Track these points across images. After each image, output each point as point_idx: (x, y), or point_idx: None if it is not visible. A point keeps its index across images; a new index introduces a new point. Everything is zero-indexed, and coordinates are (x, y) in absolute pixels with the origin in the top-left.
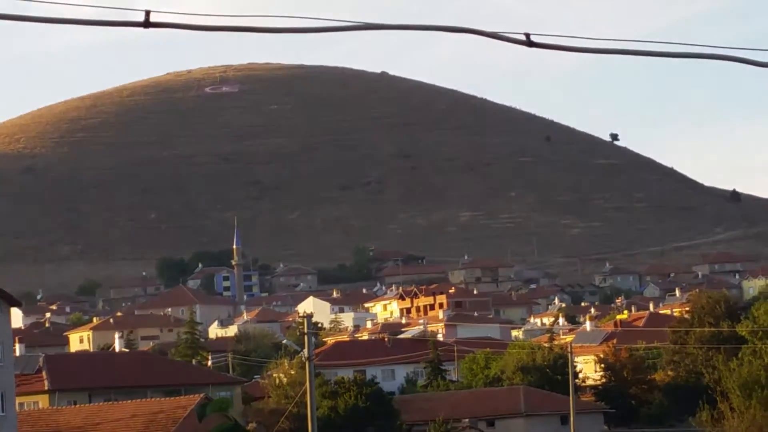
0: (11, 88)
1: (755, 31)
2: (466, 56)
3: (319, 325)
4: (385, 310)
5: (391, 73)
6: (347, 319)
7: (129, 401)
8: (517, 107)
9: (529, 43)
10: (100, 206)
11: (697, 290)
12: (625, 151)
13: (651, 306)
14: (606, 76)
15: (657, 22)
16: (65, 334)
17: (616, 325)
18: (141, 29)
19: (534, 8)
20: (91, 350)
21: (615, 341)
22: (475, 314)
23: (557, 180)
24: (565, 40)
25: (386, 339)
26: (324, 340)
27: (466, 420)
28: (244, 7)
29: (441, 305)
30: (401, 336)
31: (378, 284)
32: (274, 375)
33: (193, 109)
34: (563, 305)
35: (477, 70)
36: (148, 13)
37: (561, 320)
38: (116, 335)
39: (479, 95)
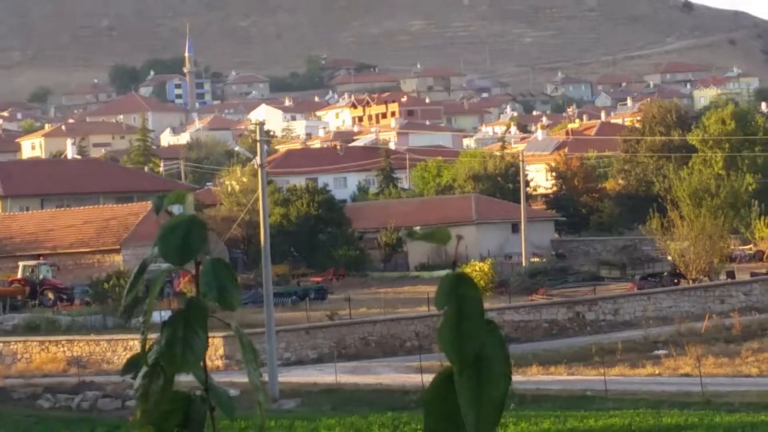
0: None
1: None
2: None
3: (271, 133)
4: (337, 118)
5: None
6: (299, 127)
7: (81, 208)
8: None
9: None
10: (51, 12)
11: (649, 99)
12: None
13: (602, 115)
14: None
15: None
16: (17, 140)
17: (567, 134)
18: None
19: None
20: (44, 157)
21: (566, 150)
22: (427, 123)
23: None
24: None
25: (338, 147)
26: (276, 148)
27: (417, 227)
28: None
29: (393, 114)
30: (353, 144)
31: (330, 92)
32: (226, 182)
33: None
34: (515, 114)
35: None
36: None
37: (513, 129)
38: (68, 142)
39: None
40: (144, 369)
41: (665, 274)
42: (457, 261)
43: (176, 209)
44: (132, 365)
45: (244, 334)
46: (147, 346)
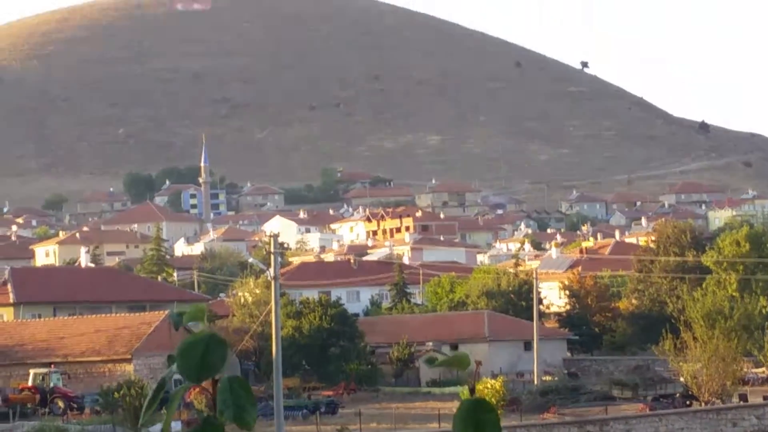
0: None
1: None
2: None
3: (285, 245)
4: (352, 231)
5: None
6: (313, 239)
7: (93, 316)
8: (489, 32)
9: None
10: (68, 120)
11: (663, 219)
12: (594, 79)
13: (617, 234)
14: (577, 2)
15: None
16: (31, 247)
17: (581, 252)
18: None
19: None
20: (57, 264)
21: (580, 268)
22: (441, 238)
23: (526, 106)
24: None
25: (352, 260)
26: (290, 260)
27: (430, 343)
28: None
29: (407, 228)
30: (367, 258)
31: (345, 206)
32: (239, 294)
33: (165, 26)
34: (529, 231)
35: None
36: None
37: (527, 246)
38: (82, 250)
39: (451, 19)
40: None
41: (677, 395)
42: (475, 387)
43: (195, 325)
44: None
45: None
46: None
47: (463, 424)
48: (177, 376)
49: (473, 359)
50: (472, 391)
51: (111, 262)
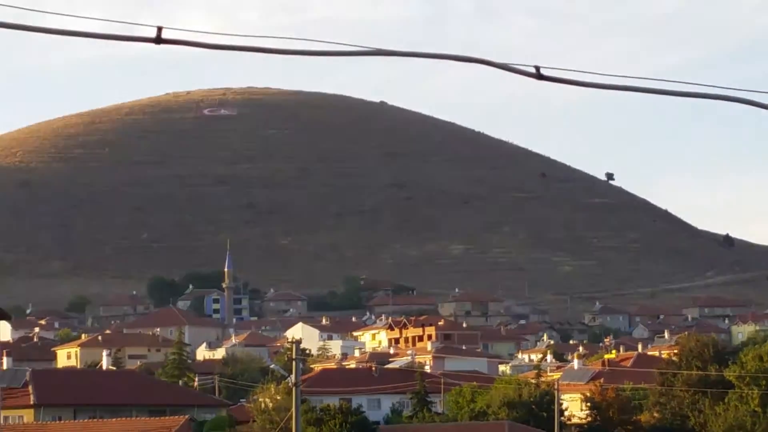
0: (10, 101)
1: (761, 74)
2: (466, 88)
3: (307, 351)
4: (374, 339)
5: (390, 102)
6: (335, 346)
7: (114, 419)
8: (514, 142)
9: (539, 76)
10: (93, 223)
11: (686, 333)
12: (620, 191)
13: (639, 347)
14: (603, 114)
15: (667, 60)
16: (53, 349)
17: (603, 364)
18: (150, 45)
19: (541, 44)
20: (79, 367)
21: (602, 380)
22: (464, 347)
23: (551, 217)
24: (574, 74)
25: (373, 368)
26: (311, 366)
27: None
28: (246, 29)
29: (429, 337)
30: (389, 366)
31: (368, 313)
32: (260, 399)
33: (191, 131)
34: (552, 342)
35: (475, 103)
36: (160, 29)
37: (549, 357)
38: (104, 353)
39: (476, 128)
40: None
41: None
42: None
43: None
44: None
45: None
46: None
47: None
48: None
49: None
50: None
51: (132, 365)
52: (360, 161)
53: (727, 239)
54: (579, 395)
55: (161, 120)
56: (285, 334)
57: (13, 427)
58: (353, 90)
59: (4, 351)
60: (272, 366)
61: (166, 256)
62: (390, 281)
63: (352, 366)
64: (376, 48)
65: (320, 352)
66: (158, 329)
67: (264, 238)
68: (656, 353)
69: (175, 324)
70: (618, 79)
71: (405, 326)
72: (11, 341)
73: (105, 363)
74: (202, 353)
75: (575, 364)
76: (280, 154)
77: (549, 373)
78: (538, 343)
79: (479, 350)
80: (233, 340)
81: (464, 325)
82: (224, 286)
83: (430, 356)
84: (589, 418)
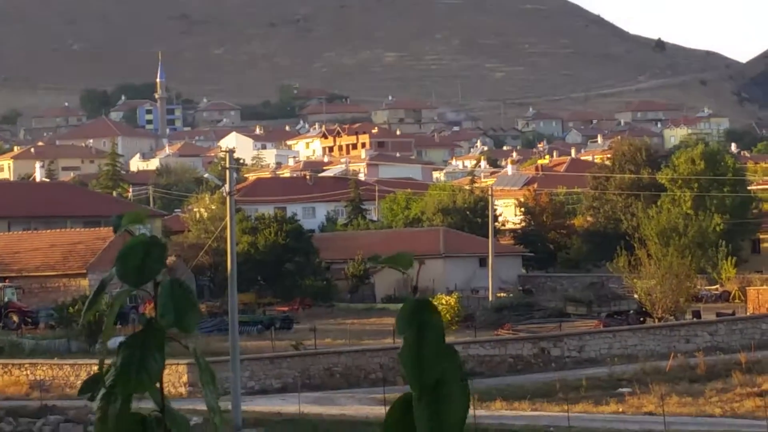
0: None
1: None
2: None
3: (241, 161)
4: (308, 148)
5: None
6: (269, 155)
7: (48, 231)
8: None
9: None
10: (25, 35)
11: (619, 137)
12: None
13: (572, 152)
14: None
15: None
16: None
17: (537, 169)
18: None
19: None
20: (12, 179)
21: (536, 186)
22: (398, 155)
23: (483, 23)
24: None
25: (308, 177)
26: (245, 176)
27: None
28: None
29: (363, 145)
30: (323, 174)
31: (301, 122)
32: (195, 209)
33: None
34: (485, 148)
35: None
36: None
37: (483, 163)
38: (37, 165)
39: None
40: (102, 391)
41: (631, 312)
42: (418, 287)
43: (144, 230)
44: (88, 386)
45: (202, 357)
46: (106, 368)
47: (407, 324)
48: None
49: (416, 262)
50: (414, 290)
51: (66, 177)
52: None
53: (659, 43)
54: (513, 201)
55: None
56: (218, 143)
57: None
58: None
59: None
60: (206, 175)
61: (98, 67)
62: (323, 90)
63: (287, 175)
64: None
65: (254, 162)
66: (91, 141)
67: (197, 48)
68: (589, 158)
69: (108, 135)
70: None
71: (339, 134)
72: None
73: (38, 175)
74: (136, 164)
75: (509, 169)
76: None
77: (483, 179)
78: (471, 150)
79: (413, 157)
80: (167, 151)
81: (398, 132)
82: (157, 96)
83: (364, 164)
84: (523, 223)
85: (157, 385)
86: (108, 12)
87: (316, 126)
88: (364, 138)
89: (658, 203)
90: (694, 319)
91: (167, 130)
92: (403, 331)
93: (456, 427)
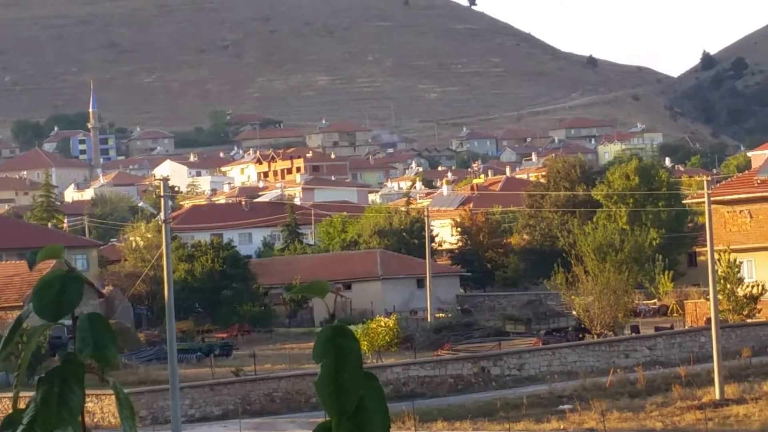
0: None
1: None
2: None
3: (176, 188)
4: (243, 173)
5: None
6: (204, 182)
7: None
8: None
9: None
10: None
11: (554, 155)
12: (482, 17)
13: (507, 170)
14: None
15: None
16: None
17: (472, 189)
18: None
19: None
20: None
21: (471, 205)
22: (333, 178)
23: (415, 44)
24: None
25: (243, 203)
26: (181, 204)
27: None
28: None
29: (298, 169)
30: (258, 200)
31: (235, 148)
32: (131, 238)
33: None
34: (420, 169)
35: None
36: None
37: (418, 184)
38: None
39: None
40: (21, 428)
41: (570, 328)
42: (335, 315)
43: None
44: (7, 423)
45: (121, 390)
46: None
47: (324, 351)
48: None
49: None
50: (331, 318)
51: (0, 209)
52: None
53: (591, 60)
54: (449, 221)
55: None
56: (153, 172)
57: None
58: None
59: None
60: (141, 204)
61: (29, 98)
62: (256, 115)
63: (222, 201)
64: None
65: (189, 189)
66: (25, 172)
67: (127, 76)
68: (524, 176)
69: (41, 166)
70: None
71: (273, 159)
72: None
73: None
74: (71, 195)
75: (444, 190)
76: None
77: (418, 201)
78: (406, 171)
79: (348, 180)
80: (101, 181)
81: (332, 156)
82: (89, 126)
83: (299, 188)
84: (460, 243)
85: (78, 419)
86: (38, 42)
87: (251, 151)
88: (299, 162)
89: (594, 219)
90: (633, 334)
91: (101, 160)
92: (321, 357)
93: None
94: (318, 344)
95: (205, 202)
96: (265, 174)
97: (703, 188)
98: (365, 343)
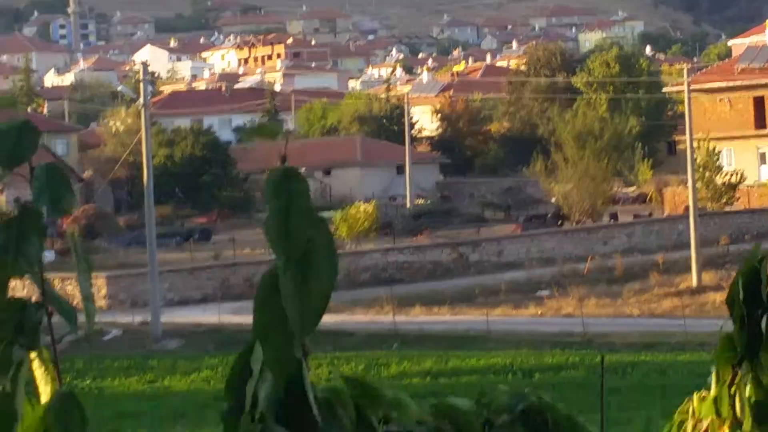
0: None
1: None
2: None
3: (156, 74)
4: (223, 59)
5: None
6: (184, 68)
7: None
8: None
9: None
10: None
11: (534, 42)
12: None
13: (488, 58)
14: None
15: None
16: None
17: (452, 76)
18: None
19: None
20: None
21: (452, 92)
22: (313, 65)
23: None
24: None
25: (223, 88)
26: (161, 89)
27: (303, 168)
28: None
29: (279, 55)
30: (238, 86)
31: (216, 34)
32: (111, 123)
33: None
34: (401, 56)
35: None
36: None
37: (398, 71)
38: None
39: None
40: None
41: (549, 215)
42: (286, 158)
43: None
44: None
45: (79, 243)
46: None
47: (275, 192)
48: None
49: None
50: (283, 160)
51: None
52: None
53: None
54: (429, 108)
55: None
56: (133, 57)
57: None
58: None
59: None
60: (120, 89)
61: None
62: (237, 1)
63: (202, 87)
64: None
65: (169, 74)
66: (4, 57)
67: None
68: (505, 63)
69: (21, 51)
70: None
71: (253, 46)
72: None
73: None
74: (51, 80)
75: (424, 77)
76: None
77: (399, 87)
78: (387, 58)
79: (329, 67)
80: (81, 65)
81: (313, 42)
82: (69, 11)
83: (279, 74)
84: (440, 130)
85: (36, 269)
86: None
87: (231, 38)
88: (279, 48)
89: (574, 107)
90: (612, 222)
91: (81, 45)
92: (271, 199)
93: (323, 296)
94: (268, 184)
95: (185, 88)
96: (246, 60)
97: (683, 77)
98: (344, 228)
